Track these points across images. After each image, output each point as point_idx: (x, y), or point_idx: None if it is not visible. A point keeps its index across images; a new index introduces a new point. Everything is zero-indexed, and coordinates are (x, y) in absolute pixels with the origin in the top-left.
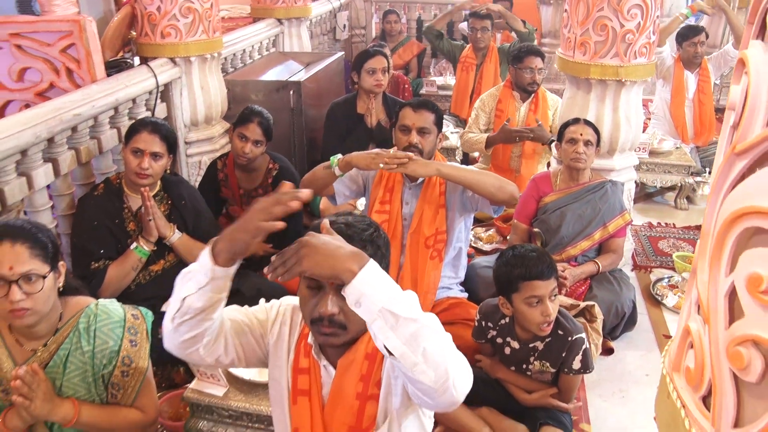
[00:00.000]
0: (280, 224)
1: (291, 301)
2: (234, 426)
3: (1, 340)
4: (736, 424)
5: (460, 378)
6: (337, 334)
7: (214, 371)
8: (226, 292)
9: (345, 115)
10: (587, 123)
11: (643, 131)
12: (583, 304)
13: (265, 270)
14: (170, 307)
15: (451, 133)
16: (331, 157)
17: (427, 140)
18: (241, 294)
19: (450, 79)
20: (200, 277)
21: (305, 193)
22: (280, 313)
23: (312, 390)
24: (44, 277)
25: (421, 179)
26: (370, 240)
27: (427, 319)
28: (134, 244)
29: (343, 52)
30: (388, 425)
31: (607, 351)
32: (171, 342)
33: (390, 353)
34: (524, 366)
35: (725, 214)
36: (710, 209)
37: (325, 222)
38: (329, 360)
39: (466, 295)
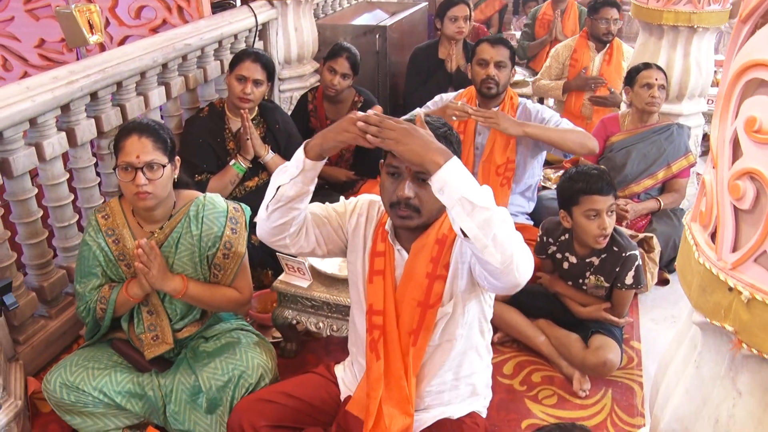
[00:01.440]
0: (370, 137)
1: (368, 197)
2: (315, 315)
3: (126, 222)
4: (734, 249)
5: (523, 263)
6: (411, 217)
7: (301, 265)
8: (312, 186)
9: (427, 59)
10: (659, 68)
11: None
12: (641, 235)
13: (357, 114)
14: (266, 197)
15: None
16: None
17: (503, 73)
18: None
19: None
20: (293, 170)
21: (376, 110)
22: (358, 206)
23: (386, 270)
24: (164, 166)
25: (495, 108)
26: (444, 136)
27: (499, 211)
28: (233, 161)
29: (426, 3)
30: (453, 304)
31: (663, 282)
32: (263, 229)
33: (465, 235)
34: (580, 281)
35: (733, 70)
36: (723, 74)
37: (420, 114)
38: (402, 245)
39: (531, 222)
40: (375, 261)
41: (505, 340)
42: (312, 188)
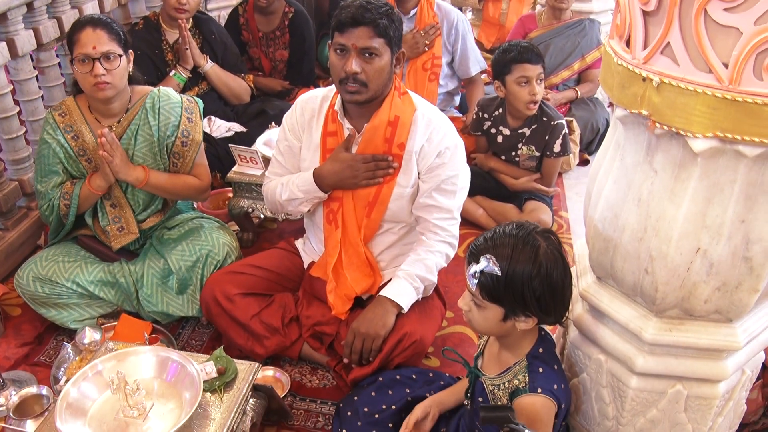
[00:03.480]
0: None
1: (299, 99)
2: None
3: (83, 118)
4: (644, 47)
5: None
6: (360, 91)
7: (253, 154)
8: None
9: None
10: None
11: None
12: (564, 120)
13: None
14: (284, 194)
15: None
16: None
17: None
18: (266, 113)
19: None
20: (310, 195)
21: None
22: (297, 113)
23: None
24: (120, 56)
25: (413, 11)
26: (387, 14)
27: (435, 271)
28: (173, 72)
29: None
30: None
31: (584, 162)
32: (272, 204)
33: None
34: (513, 153)
35: None
36: None
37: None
38: (353, 125)
39: (460, 114)
40: (327, 140)
41: None
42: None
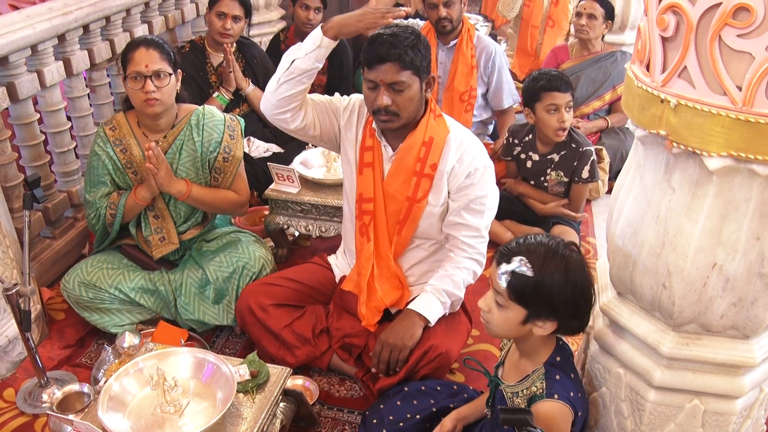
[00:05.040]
0: (389, 20)
1: (360, 96)
2: (305, 218)
3: (132, 133)
4: (663, 70)
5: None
6: (392, 120)
7: (290, 173)
8: (321, 64)
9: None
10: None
11: None
12: (593, 147)
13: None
14: (278, 71)
15: (481, 26)
16: None
17: (453, 10)
18: None
19: None
20: (309, 45)
21: (405, 11)
22: (350, 104)
23: (375, 163)
24: (170, 74)
25: (453, 42)
26: (412, 46)
27: (462, 287)
28: (216, 93)
29: None
30: (441, 206)
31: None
32: (269, 102)
33: None
34: (542, 178)
35: None
36: None
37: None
38: (389, 142)
39: (491, 142)
40: (364, 154)
41: None
42: (320, 66)
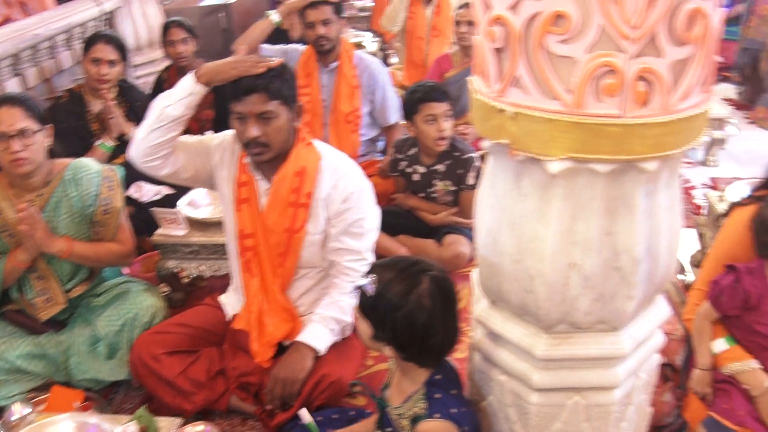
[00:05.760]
0: (261, 70)
1: (231, 132)
2: (196, 259)
3: (3, 194)
4: (498, 81)
5: None
6: (263, 152)
7: (176, 216)
8: (192, 112)
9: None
10: (468, 6)
11: None
12: (481, 153)
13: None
14: (147, 119)
15: (371, 42)
16: (267, 12)
17: (331, 29)
18: None
19: (368, 1)
20: (180, 92)
21: (277, 61)
22: (223, 141)
23: (251, 198)
24: (36, 131)
25: (334, 64)
26: (279, 75)
27: (350, 312)
28: (99, 141)
29: None
30: (320, 234)
31: None
32: (139, 149)
33: None
34: (430, 190)
35: None
36: None
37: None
38: (265, 175)
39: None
40: (240, 190)
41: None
42: (190, 114)
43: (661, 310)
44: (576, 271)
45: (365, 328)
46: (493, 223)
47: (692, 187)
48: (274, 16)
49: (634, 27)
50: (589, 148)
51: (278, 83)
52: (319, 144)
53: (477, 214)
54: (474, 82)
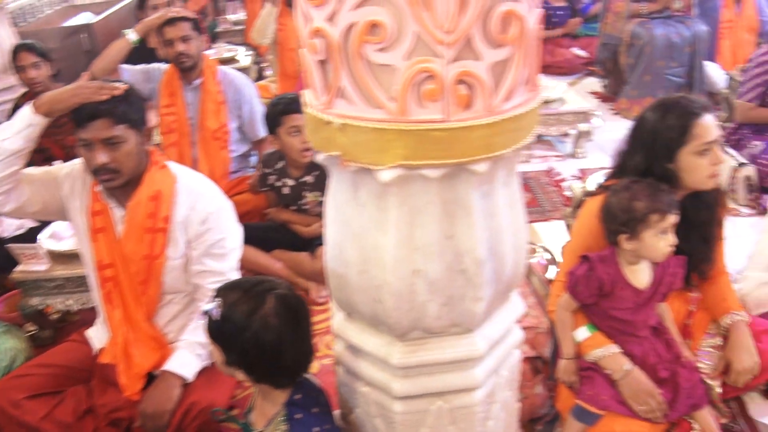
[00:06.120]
0: (104, 96)
1: (81, 160)
2: (61, 294)
3: None
4: (324, 93)
5: None
6: (113, 179)
7: (36, 251)
8: (33, 144)
9: (139, 54)
10: None
11: None
12: None
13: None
14: None
15: (245, 56)
16: (124, 31)
17: (191, 45)
18: None
19: (242, 15)
20: (18, 124)
21: (122, 87)
22: (72, 170)
23: (107, 227)
24: None
25: (198, 81)
26: (124, 99)
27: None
28: None
29: None
30: (181, 258)
31: None
32: None
33: None
34: (301, 202)
35: None
36: None
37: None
38: (119, 203)
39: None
40: (95, 220)
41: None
42: (32, 146)
43: (515, 307)
44: (420, 277)
45: (217, 354)
46: (337, 234)
47: (562, 180)
48: (131, 35)
49: (448, 32)
50: (417, 154)
51: (123, 107)
52: (173, 166)
53: (325, 227)
54: (306, 95)
